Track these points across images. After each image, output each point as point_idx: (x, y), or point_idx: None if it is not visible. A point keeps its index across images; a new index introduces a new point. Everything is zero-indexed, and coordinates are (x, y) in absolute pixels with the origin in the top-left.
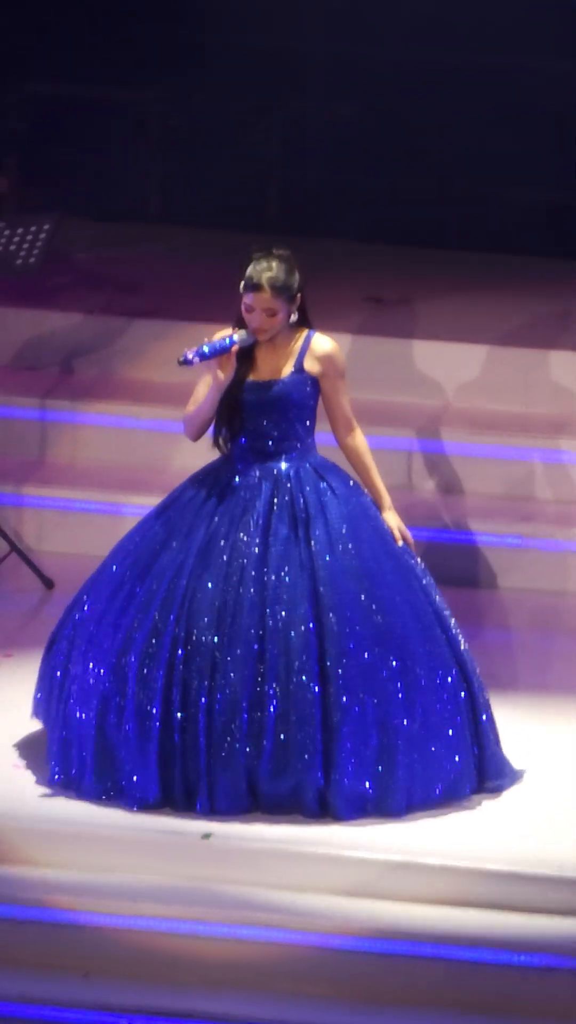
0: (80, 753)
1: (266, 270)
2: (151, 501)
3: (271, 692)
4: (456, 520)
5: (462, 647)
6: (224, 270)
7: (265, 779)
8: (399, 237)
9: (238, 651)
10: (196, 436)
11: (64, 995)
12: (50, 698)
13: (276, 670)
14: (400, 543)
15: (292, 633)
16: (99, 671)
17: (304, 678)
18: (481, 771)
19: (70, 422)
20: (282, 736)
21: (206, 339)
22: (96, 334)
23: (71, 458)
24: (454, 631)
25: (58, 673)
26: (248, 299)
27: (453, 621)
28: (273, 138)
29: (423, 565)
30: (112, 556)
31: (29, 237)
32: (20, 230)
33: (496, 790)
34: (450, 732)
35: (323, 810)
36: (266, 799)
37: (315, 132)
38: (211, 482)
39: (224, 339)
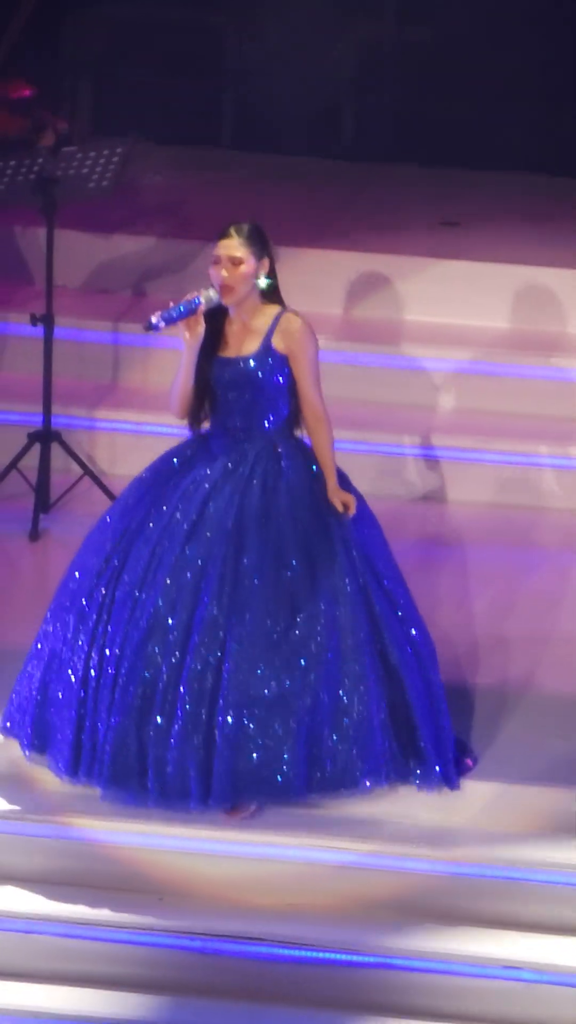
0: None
1: (234, 222)
2: None
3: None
4: (527, 443)
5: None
6: (296, 195)
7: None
8: (473, 162)
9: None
10: (181, 410)
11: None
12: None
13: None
14: (345, 513)
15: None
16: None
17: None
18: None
19: (142, 345)
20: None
21: (172, 303)
22: (168, 258)
23: (143, 381)
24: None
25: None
26: (217, 249)
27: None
28: (347, 63)
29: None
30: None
31: (102, 161)
32: (93, 154)
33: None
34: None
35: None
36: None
37: (389, 57)
38: (181, 458)
39: (189, 300)
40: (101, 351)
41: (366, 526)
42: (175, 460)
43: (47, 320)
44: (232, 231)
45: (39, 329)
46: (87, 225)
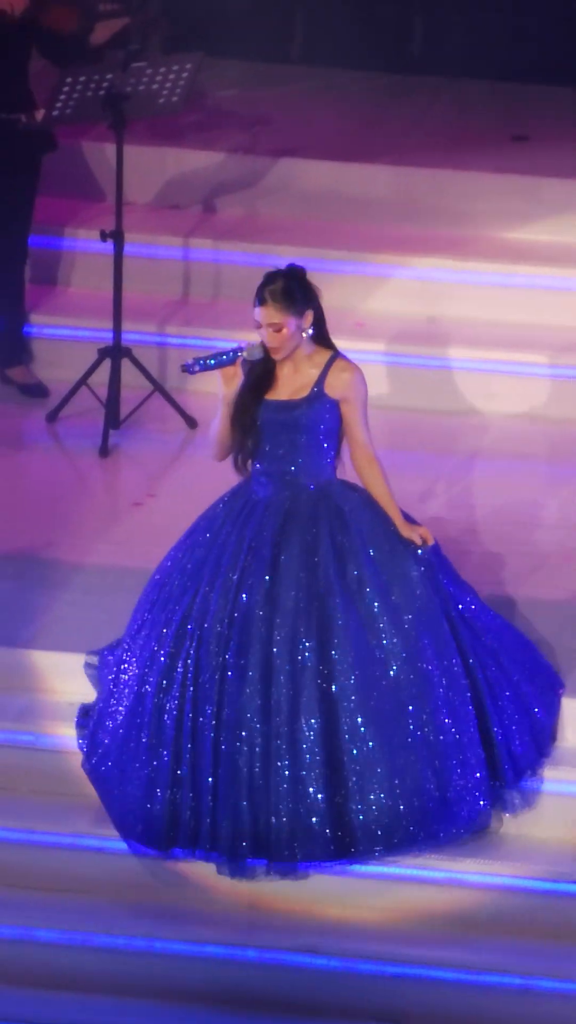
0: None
1: (269, 283)
2: None
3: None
4: None
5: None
6: (366, 109)
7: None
8: (544, 76)
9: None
10: (221, 455)
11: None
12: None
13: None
14: (422, 544)
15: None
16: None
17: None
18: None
19: (213, 261)
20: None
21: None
22: (238, 173)
23: (213, 297)
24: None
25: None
26: (255, 314)
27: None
28: None
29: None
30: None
31: (172, 76)
32: (163, 70)
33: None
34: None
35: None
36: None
37: None
38: (230, 506)
39: (230, 351)
40: (171, 267)
41: (440, 554)
42: (225, 515)
43: (117, 236)
44: (268, 298)
45: (109, 245)
46: (157, 140)
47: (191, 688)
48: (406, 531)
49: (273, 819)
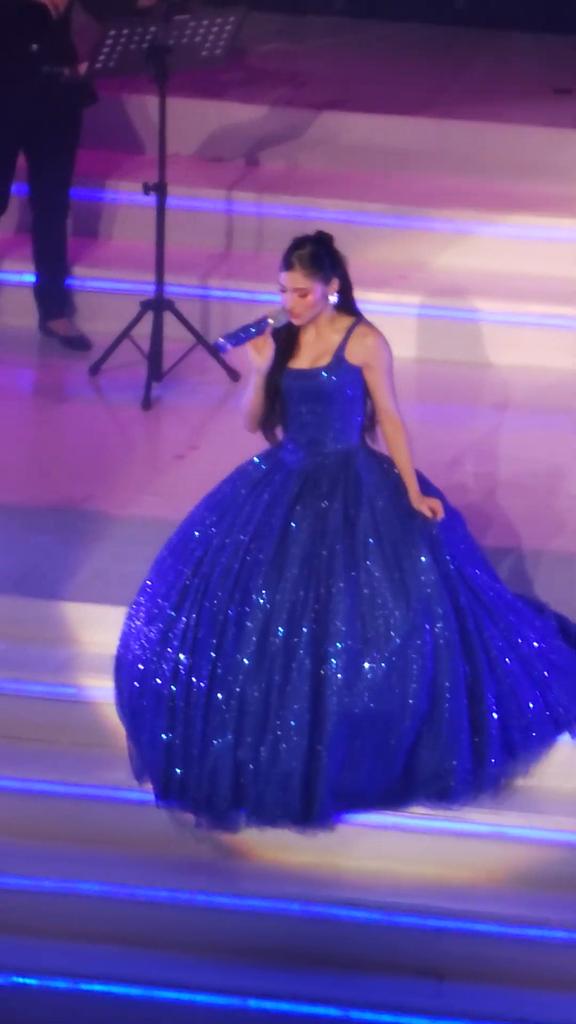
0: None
1: (297, 248)
2: None
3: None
4: None
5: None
6: (409, 62)
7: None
8: None
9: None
10: (254, 427)
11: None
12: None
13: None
14: (433, 517)
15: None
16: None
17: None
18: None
19: (255, 214)
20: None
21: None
22: (281, 126)
23: (256, 249)
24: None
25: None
26: (281, 279)
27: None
28: None
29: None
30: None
31: (215, 29)
32: (206, 22)
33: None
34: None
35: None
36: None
37: None
38: (257, 468)
39: (258, 321)
40: (213, 219)
41: (451, 527)
42: (252, 476)
43: (160, 189)
44: (295, 262)
45: (152, 198)
46: (199, 93)
47: (190, 640)
48: (416, 502)
49: (254, 775)
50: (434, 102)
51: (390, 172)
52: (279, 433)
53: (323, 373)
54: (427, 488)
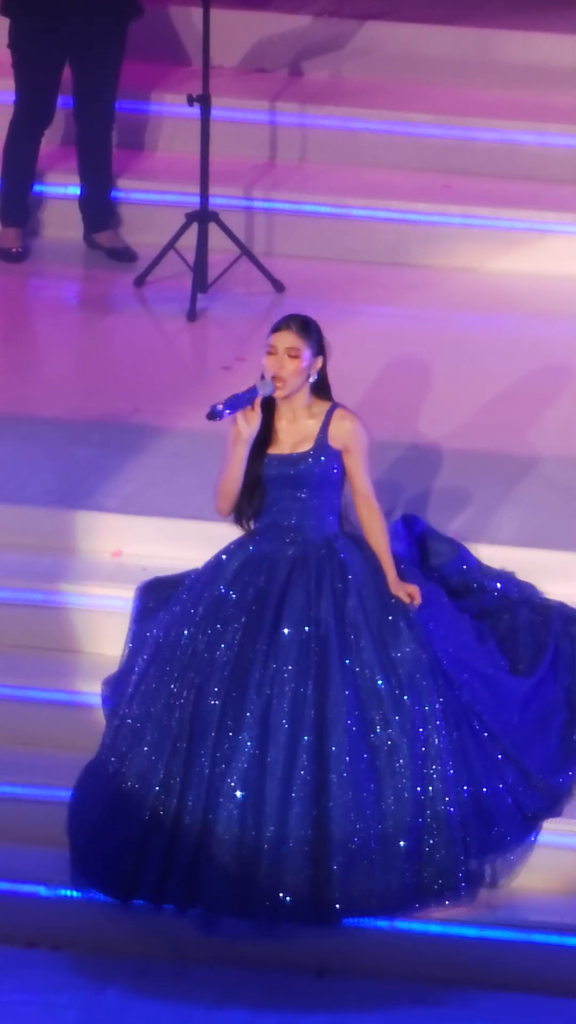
0: None
1: (289, 316)
2: (377, 203)
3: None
4: None
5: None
6: None
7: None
8: None
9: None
10: (229, 507)
11: None
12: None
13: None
14: (411, 604)
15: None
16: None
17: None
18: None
19: (299, 125)
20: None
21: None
22: (325, 37)
23: (300, 160)
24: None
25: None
26: (271, 340)
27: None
28: None
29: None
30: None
31: None
32: None
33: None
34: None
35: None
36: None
37: None
38: (233, 560)
39: (249, 390)
40: (257, 131)
41: (429, 613)
42: (228, 577)
43: (204, 100)
44: (291, 324)
45: (196, 109)
46: (243, 4)
47: (185, 745)
48: (395, 588)
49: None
50: (479, 11)
51: (434, 82)
52: (252, 524)
53: (308, 458)
54: (404, 574)
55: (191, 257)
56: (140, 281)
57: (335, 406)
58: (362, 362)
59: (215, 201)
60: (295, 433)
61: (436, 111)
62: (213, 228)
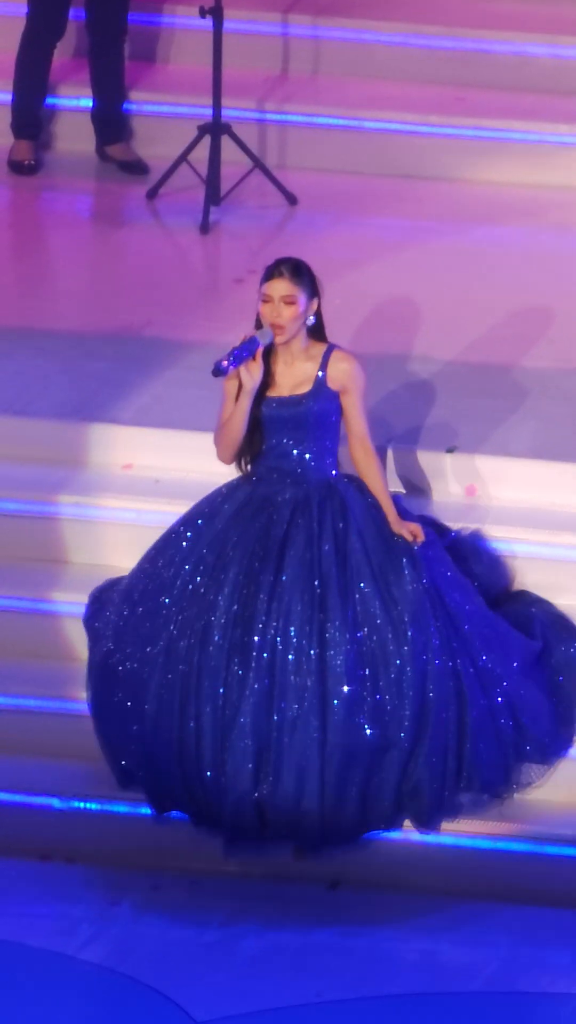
0: None
1: (281, 261)
2: (390, 115)
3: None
4: None
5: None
6: None
7: None
8: None
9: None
10: (231, 457)
11: None
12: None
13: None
14: (414, 541)
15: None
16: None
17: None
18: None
19: (312, 37)
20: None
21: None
22: None
23: (313, 72)
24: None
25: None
26: (265, 289)
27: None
28: None
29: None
30: (139, 577)
31: None
32: None
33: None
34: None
35: None
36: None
37: None
38: (232, 505)
39: (249, 339)
40: (270, 43)
41: (431, 552)
42: (228, 517)
43: (216, 12)
44: (284, 271)
45: (208, 21)
46: None
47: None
48: (397, 527)
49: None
50: None
51: None
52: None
53: (307, 399)
54: (404, 512)
55: (203, 170)
56: (152, 194)
57: (332, 347)
58: (374, 275)
59: (227, 113)
60: (293, 375)
61: (449, 23)
62: (226, 140)
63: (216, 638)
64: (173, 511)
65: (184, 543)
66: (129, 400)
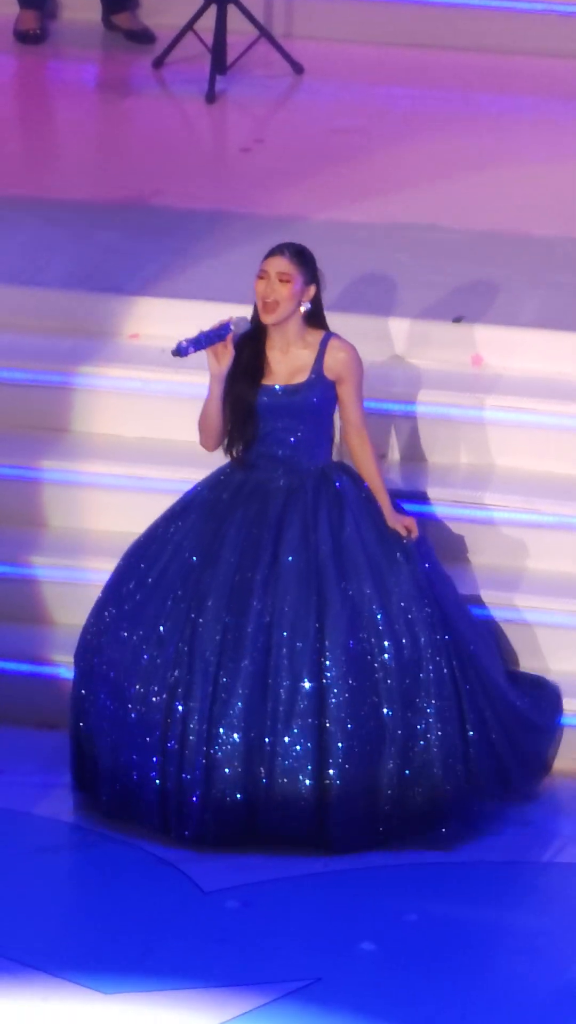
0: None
1: (284, 244)
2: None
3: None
4: None
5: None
6: None
7: None
8: None
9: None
10: (214, 444)
11: None
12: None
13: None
14: (407, 537)
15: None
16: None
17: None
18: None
19: None
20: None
21: (200, 330)
22: None
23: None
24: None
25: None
26: (263, 264)
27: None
28: None
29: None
30: (128, 570)
31: None
32: None
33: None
34: None
35: None
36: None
37: None
38: (225, 494)
39: (221, 325)
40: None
41: (423, 546)
42: (224, 502)
43: None
44: (285, 250)
45: None
46: None
47: (185, 683)
48: (392, 520)
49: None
50: None
51: None
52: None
53: (304, 389)
54: (398, 509)
55: (209, 39)
56: (158, 63)
57: (329, 335)
58: (381, 144)
59: None
60: (289, 363)
61: None
62: (232, 9)
63: (210, 623)
64: (179, 380)
65: (174, 530)
66: (136, 269)
